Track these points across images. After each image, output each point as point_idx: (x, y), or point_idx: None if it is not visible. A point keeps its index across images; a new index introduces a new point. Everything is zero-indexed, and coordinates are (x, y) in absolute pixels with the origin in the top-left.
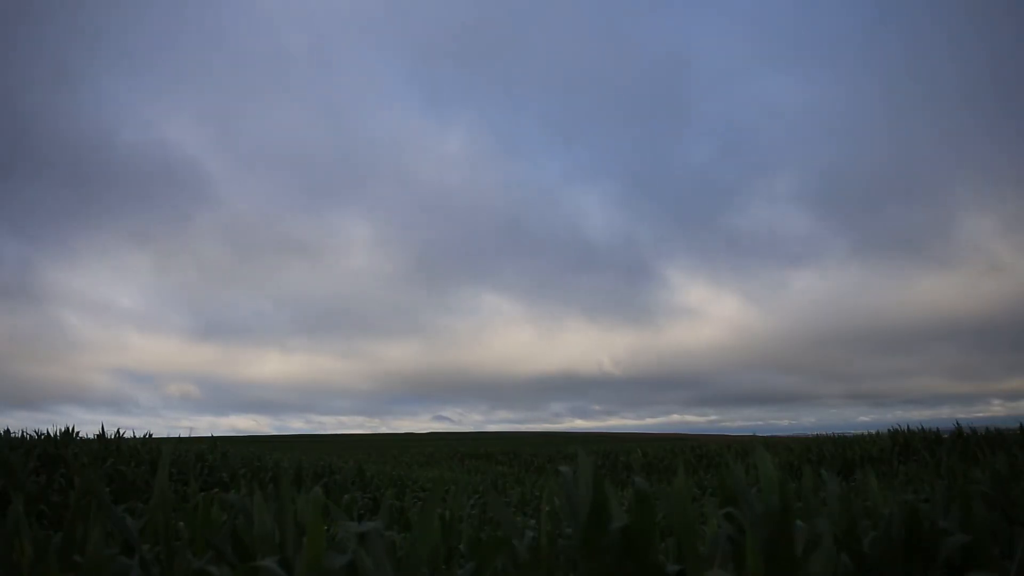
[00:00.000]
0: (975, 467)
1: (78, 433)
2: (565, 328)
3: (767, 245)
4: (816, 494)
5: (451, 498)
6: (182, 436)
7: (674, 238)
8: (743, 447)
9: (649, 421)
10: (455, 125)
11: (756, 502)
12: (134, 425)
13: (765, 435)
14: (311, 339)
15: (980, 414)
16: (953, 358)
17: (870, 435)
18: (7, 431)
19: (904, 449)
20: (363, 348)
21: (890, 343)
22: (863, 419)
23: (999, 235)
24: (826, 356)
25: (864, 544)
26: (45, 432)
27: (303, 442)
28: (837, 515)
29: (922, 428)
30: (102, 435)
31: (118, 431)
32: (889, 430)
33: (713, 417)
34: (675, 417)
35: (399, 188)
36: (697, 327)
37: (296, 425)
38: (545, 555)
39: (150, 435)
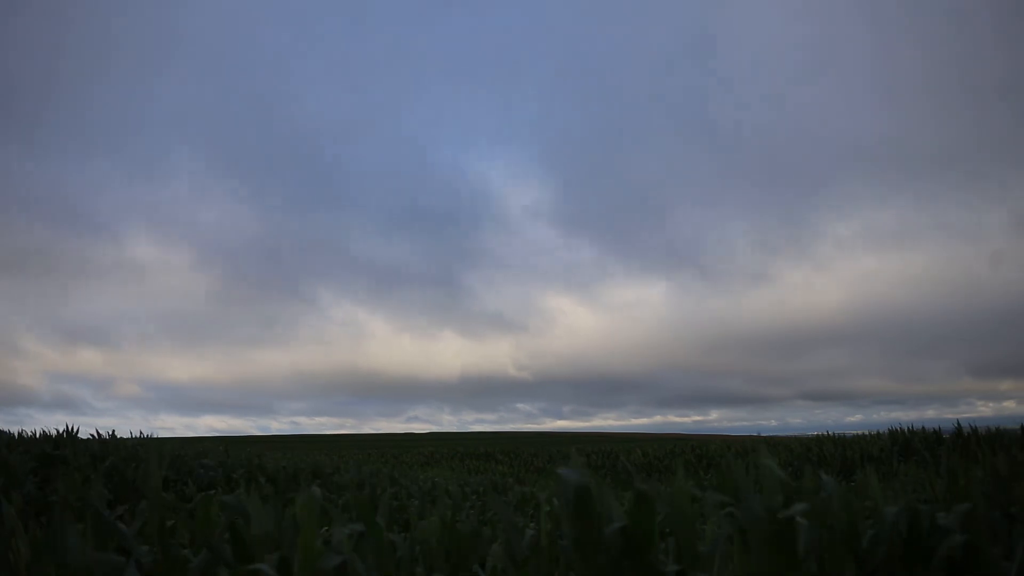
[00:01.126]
0: (975, 467)
1: (78, 433)
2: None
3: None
4: (817, 494)
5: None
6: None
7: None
8: (743, 447)
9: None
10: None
11: (756, 502)
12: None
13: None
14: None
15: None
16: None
17: (870, 435)
18: (7, 431)
19: (904, 449)
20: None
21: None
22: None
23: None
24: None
25: (864, 543)
26: (44, 432)
27: (303, 442)
28: (838, 515)
29: (922, 428)
30: (100, 435)
31: (114, 431)
32: (889, 430)
33: (657, 418)
34: (618, 419)
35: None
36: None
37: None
38: (545, 555)
39: (150, 435)
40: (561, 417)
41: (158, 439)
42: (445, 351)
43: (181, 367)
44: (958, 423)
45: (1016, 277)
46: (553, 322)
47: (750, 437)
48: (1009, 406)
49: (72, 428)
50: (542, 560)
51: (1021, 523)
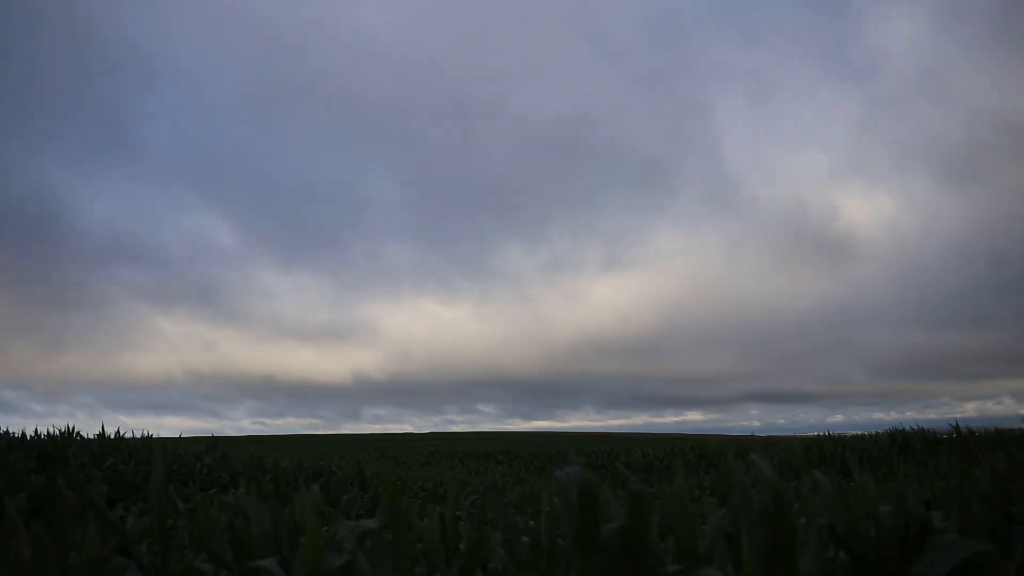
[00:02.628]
0: (975, 467)
1: (78, 433)
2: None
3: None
4: (815, 493)
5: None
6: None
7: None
8: (743, 447)
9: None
10: None
11: (753, 501)
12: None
13: (764, 435)
14: None
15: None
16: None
17: (869, 435)
18: (7, 431)
19: (903, 449)
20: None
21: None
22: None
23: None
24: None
25: (861, 543)
26: (45, 432)
27: (303, 442)
28: (836, 514)
29: (921, 428)
30: (102, 435)
31: (118, 430)
32: (888, 430)
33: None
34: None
35: None
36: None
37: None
38: (545, 555)
39: (149, 435)
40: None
41: (158, 439)
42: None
43: None
44: (956, 423)
45: None
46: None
47: (750, 437)
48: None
49: (72, 428)
50: (542, 560)
51: (1020, 523)
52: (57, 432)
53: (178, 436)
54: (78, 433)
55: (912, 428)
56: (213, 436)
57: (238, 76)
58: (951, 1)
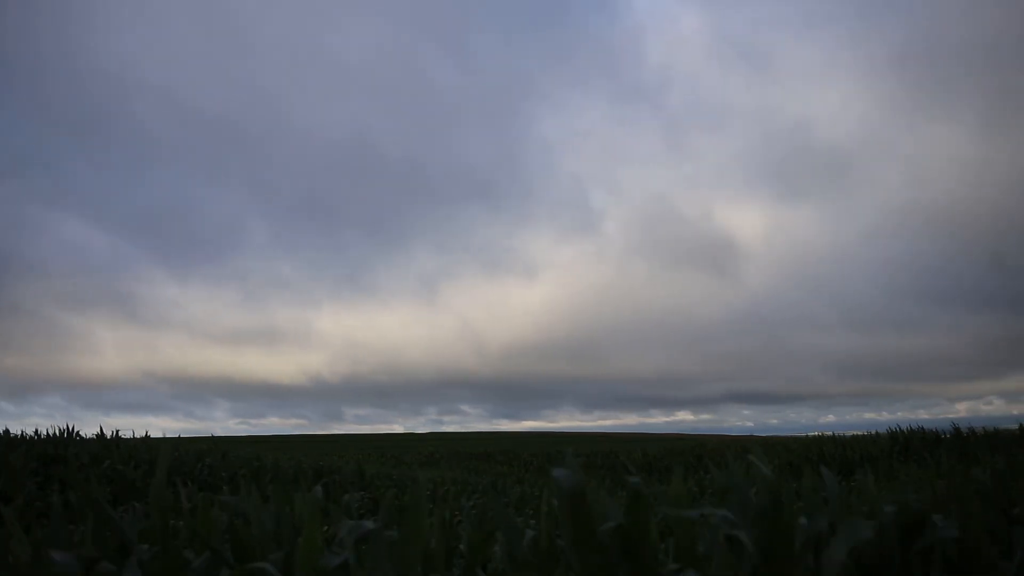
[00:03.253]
0: (975, 467)
1: (78, 433)
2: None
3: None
4: (816, 493)
5: (451, 498)
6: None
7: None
8: (743, 447)
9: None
10: None
11: (750, 501)
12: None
13: (763, 435)
14: None
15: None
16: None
17: (869, 435)
18: (7, 431)
19: (903, 449)
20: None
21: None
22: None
23: None
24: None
25: (863, 543)
26: (45, 432)
27: (303, 442)
28: (836, 514)
29: (921, 428)
30: (101, 435)
31: (116, 431)
32: (889, 430)
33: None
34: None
35: None
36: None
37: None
38: (544, 555)
39: (148, 435)
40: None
41: (158, 439)
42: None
43: None
44: (955, 424)
45: None
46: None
47: (751, 437)
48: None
49: (72, 428)
50: (542, 560)
51: (1020, 523)
52: (57, 432)
53: (176, 437)
54: (78, 433)
55: (912, 428)
56: (212, 436)
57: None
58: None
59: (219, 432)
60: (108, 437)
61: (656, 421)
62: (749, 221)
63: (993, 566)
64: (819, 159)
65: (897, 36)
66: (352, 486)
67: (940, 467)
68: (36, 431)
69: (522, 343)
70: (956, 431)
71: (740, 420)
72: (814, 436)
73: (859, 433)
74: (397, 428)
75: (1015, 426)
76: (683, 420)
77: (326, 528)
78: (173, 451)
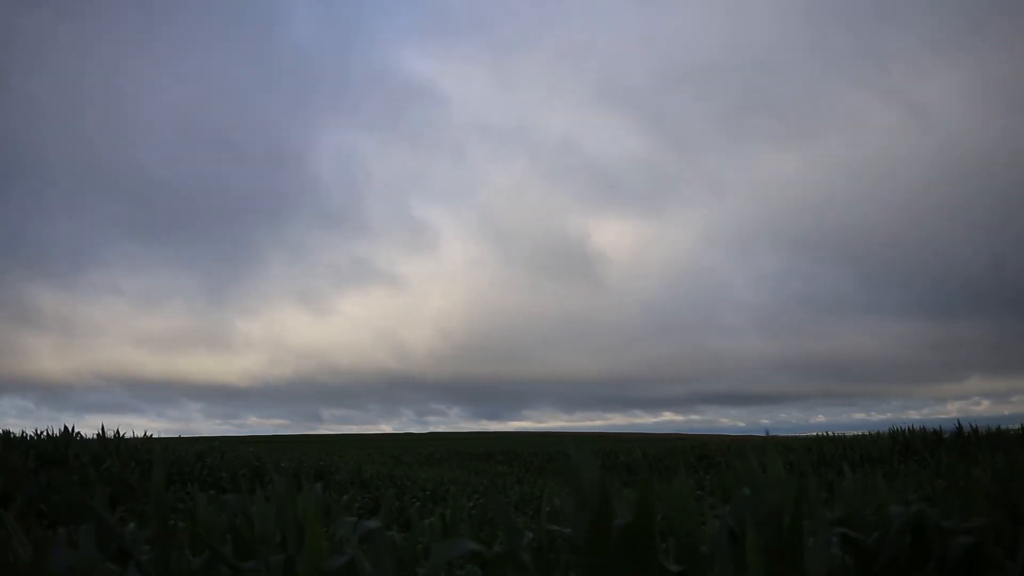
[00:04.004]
0: (975, 467)
1: (79, 434)
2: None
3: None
4: (818, 493)
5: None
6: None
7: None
8: (743, 447)
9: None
10: None
11: (764, 500)
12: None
13: (762, 435)
14: None
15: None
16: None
17: (870, 435)
18: (7, 432)
19: (904, 449)
20: None
21: None
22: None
23: None
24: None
25: (868, 544)
26: (45, 432)
27: (303, 442)
28: (843, 515)
29: (922, 428)
30: (102, 436)
31: (117, 431)
32: (890, 430)
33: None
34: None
35: None
36: None
37: None
38: (545, 555)
39: (148, 435)
40: None
41: (158, 439)
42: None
43: None
44: (958, 423)
45: None
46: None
47: (751, 437)
48: None
49: (72, 429)
50: (542, 560)
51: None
52: (57, 433)
53: (177, 437)
54: (78, 434)
55: (913, 428)
56: (212, 437)
57: None
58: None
59: (205, 432)
60: (108, 438)
61: (644, 421)
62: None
63: (998, 566)
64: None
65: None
66: (352, 486)
67: (941, 467)
68: (36, 431)
69: (442, 343)
70: (958, 431)
71: (730, 420)
72: (814, 436)
73: (860, 433)
74: (385, 428)
75: (1016, 426)
76: (669, 420)
77: (327, 528)
78: (173, 452)
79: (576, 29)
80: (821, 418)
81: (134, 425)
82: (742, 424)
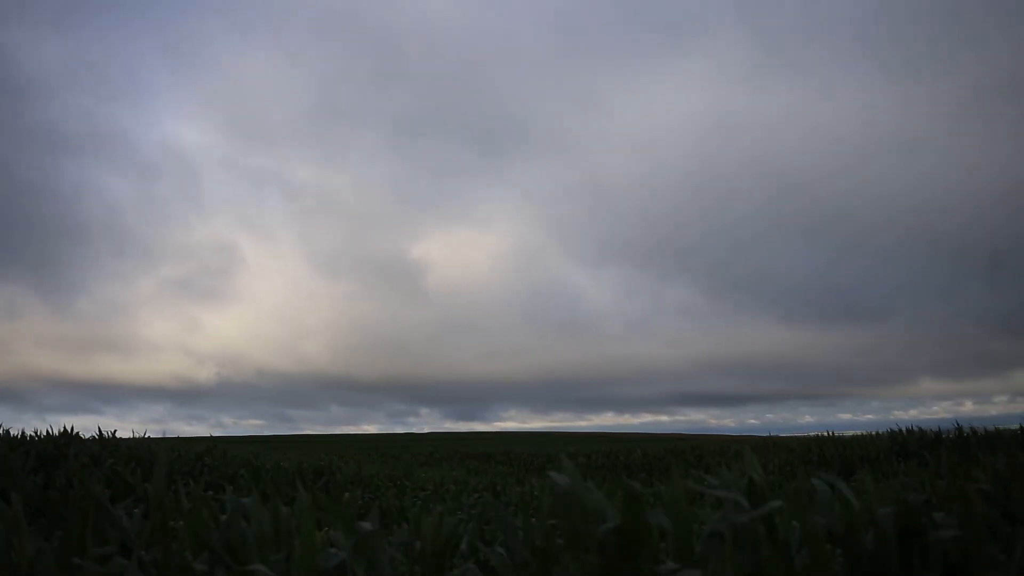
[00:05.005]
0: (975, 467)
1: (79, 434)
2: None
3: None
4: (809, 494)
5: (450, 498)
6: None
7: None
8: (742, 448)
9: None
10: None
11: (742, 504)
12: None
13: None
14: None
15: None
16: None
17: (869, 435)
18: (7, 431)
19: (903, 449)
20: None
21: None
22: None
23: None
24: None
25: (861, 543)
26: (45, 432)
27: (303, 442)
28: (835, 515)
29: (920, 428)
30: (102, 436)
31: (115, 432)
32: (889, 430)
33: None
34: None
35: None
36: None
37: None
38: (543, 555)
39: (148, 435)
40: None
41: (158, 439)
42: None
43: None
44: (957, 423)
45: None
46: None
47: (751, 437)
48: None
49: (72, 428)
50: (540, 560)
51: (1020, 523)
52: (56, 433)
53: (176, 437)
54: (78, 433)
55: (911, 428)
56: (212, 436)
57: None
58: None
59: (187, 433)
60: (108, 437)
61: (631, 422)
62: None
63: (994, 565)
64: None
65: None
66: (352, 486)
67: (940, 467)
68: (36, 431)
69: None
70: (958, 431)
71: (719, 420)
72: (813, 436)
73: (859, 433)
74: (372, 428)
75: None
76: (656, 421)
77: (325, 528)
78: (173, 451)
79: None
80: (809, 418)
81: (109, 426)
82: (732, 423)
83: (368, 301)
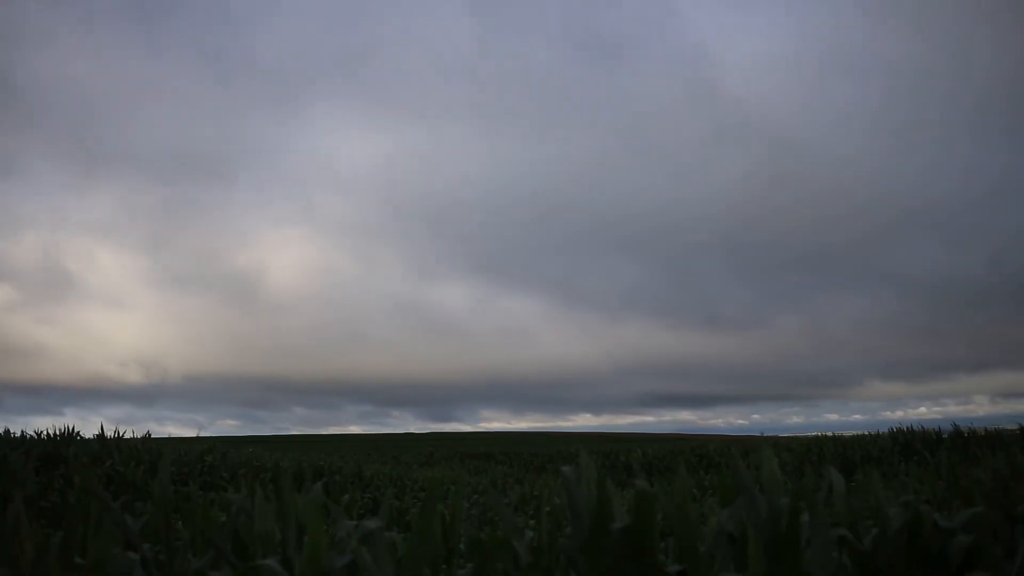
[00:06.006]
0: (976, 467)
1: (79, 433)
2: None
3: None
4: (816, 494)
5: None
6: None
7: None
8: (744, 447)
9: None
10: None
11: (761, 502)
12: None
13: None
14: None
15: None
16: None
17: (870, 435)
18: (7, 431)
19: (904, 449)
20: None
21: None
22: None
23: None
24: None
25: (866, 544)
26: (45, 432)
27: (303, 442)
28: (841, 515)
29: (922, 428)
30: (102, 435)
31: (116, 431)
32: (890, 430)
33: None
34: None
35: None
36: None
37: None
38: (546, 556)
39: (148, 435)
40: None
41: (157, 439)
42: None
43: None
44: (955, 424)
45: None
46: None
47: (751, 437)
48: None
49: (72, 428)
50: (543, 560)
51: (1022, 522)
52: (57, 432)
53: (176, 437)
54: (78, 433)
55: (912, 428)
56: (212, 436)
57: None
58: None
59: (169, 433)
60: (108, 437)
61: (620, 422)
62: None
63: (996, 565)
64: None
65: None
66: (352, 486)
67: (940, 467)
68: (36, 431)
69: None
70: (957, 431)
71: (703, 420)
72: (814, 436)
73: (860, 433)
74: (354, 429)
75: (1014, 426)
76: (644, 421)
77: (327, 527)
78: (174, 451)
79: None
80: (797, 419)
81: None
82: (720, 423)
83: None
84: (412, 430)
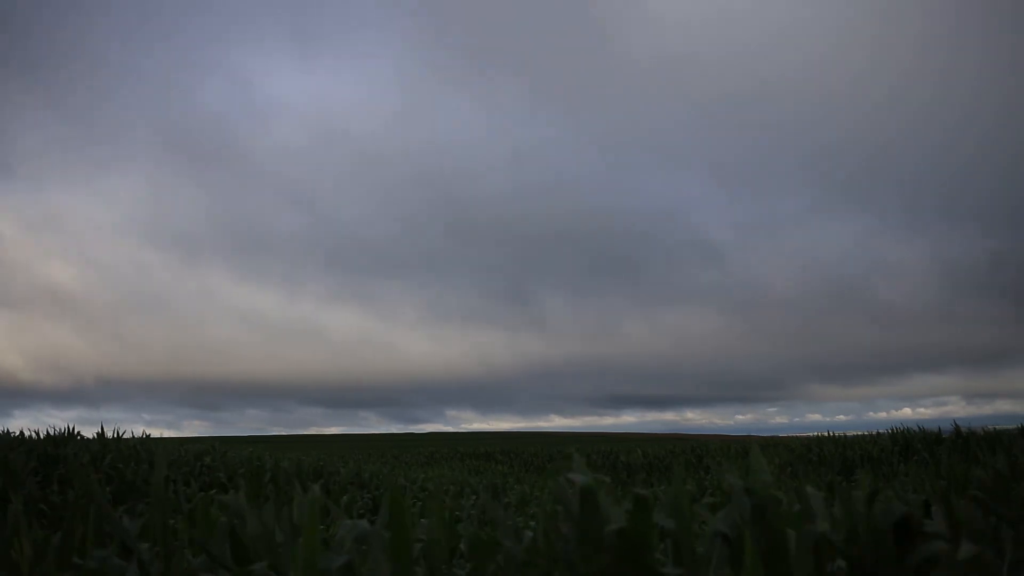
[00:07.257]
0: (976, 467)
1: (79, 433)
2: None
3: None
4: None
5: (450, 498)
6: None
7: None
8: (744, 447)
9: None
10: None
11: (746, 505)
12: None
13: (765, 435)
14: None
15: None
16: None
17: (870, 435)
18: (7, 431)
19: (904, 449)
20: None
21: None
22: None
23: None
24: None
25: (856, 546)
26: (45, 432)
27: (303, 442)
28: (836, 518)
29: (922, 428)
30: (102, 435)
31: (116, 430)
32: (890, 430)
33: None
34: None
35: None
36: None
37: None
38: (544, 556)
39: (148, 435)
40: None
41: (157, 439)
42: None
43: None
44: (956, 424)
45: None
46: None
47: (752, 437)
48: None
49: (72, 428)
50: (540, 561)
51: (1011, 523)
52: (57, 432)
53: (176, 437)
54: (78, 433)
55: (913, 428)
56: (212, 436)
57: None
58: None
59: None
60: (108, 437)
61: (607, 422)
62: None
63: (986, 567)
64: None
65: None
66: (352, 486)
67: (940, 467)
68: (36, 431)
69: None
70: (957, 431)
71: (705, 420)
72: (814, 436)
73: (860, 433)
74: (335, 430)
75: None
76: (626, 421)
77: (326, 528)
78: (173, 451)
79: None
80: (782, 419)
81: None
82: (717, 422)
83: None
84: (407, 431)
